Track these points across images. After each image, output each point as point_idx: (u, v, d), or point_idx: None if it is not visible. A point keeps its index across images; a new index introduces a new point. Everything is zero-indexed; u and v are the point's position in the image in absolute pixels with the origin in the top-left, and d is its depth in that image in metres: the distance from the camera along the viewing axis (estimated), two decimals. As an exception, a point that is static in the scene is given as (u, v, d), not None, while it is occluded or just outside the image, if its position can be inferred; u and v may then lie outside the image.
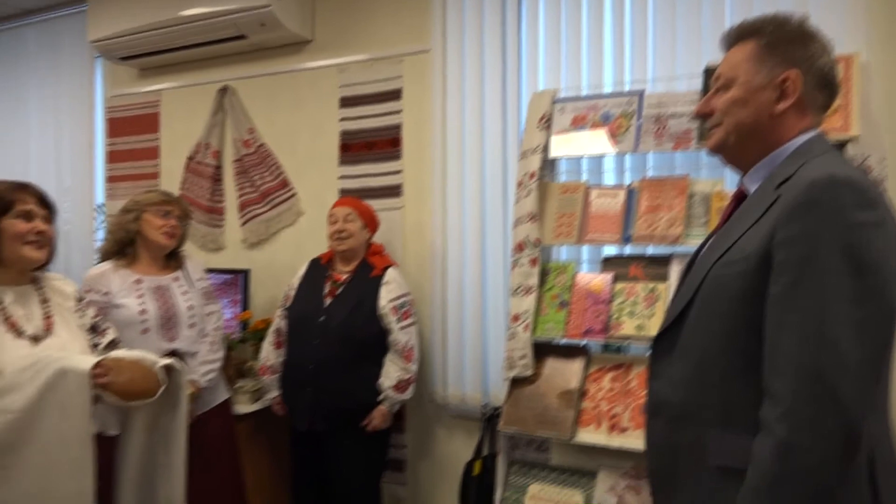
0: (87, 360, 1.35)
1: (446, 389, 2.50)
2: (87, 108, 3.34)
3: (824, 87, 1.06)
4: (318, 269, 2.38)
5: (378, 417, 2.22)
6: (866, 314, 0.88)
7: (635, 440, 1.88)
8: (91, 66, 3.33)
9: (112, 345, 1.61)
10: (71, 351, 1.46)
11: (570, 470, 2.06)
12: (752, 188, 1.08)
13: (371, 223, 2.38)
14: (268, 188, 2.92)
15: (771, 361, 0.92)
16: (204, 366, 2.14)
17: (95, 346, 1.58)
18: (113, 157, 3.30)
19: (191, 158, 3.09)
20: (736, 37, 1.10)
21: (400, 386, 2.23)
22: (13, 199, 1.45)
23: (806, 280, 0.90)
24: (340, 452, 2.23)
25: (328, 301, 2.27)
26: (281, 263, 2.88)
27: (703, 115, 1.13)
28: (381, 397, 2.22)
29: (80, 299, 1.62)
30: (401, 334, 2.23)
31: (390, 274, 2.31)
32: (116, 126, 3.29)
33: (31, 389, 1.30)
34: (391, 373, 2.23)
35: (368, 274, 2.30)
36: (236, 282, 2.84)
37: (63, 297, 1.57)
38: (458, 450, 2.53)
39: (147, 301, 2.07)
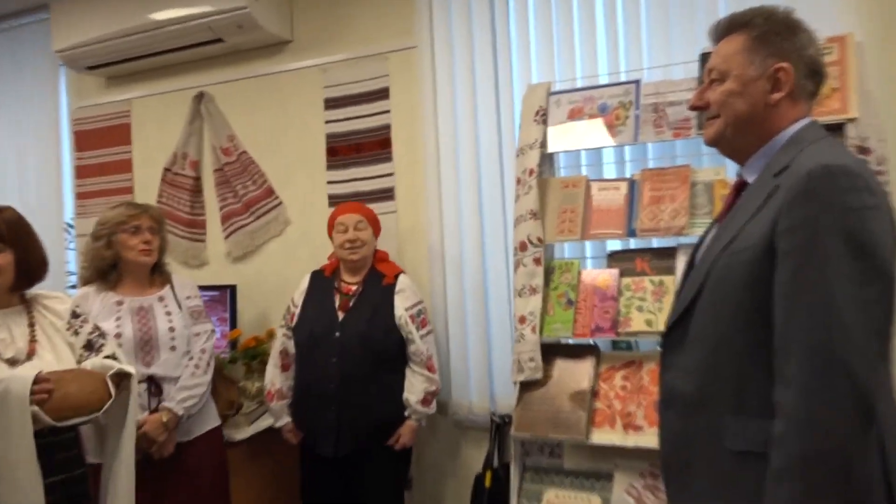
0: (27, 379, 1.45)
1: (451, 399, 2.63)
2: (52, 120, 3.45)
3: (813, 75, 1.21)
4: (323, 282, 2.46)
5: (406, 434, 2.32)
6: (870, 294, 1.01)
7: (651, 438, 2.01)
8: (55, 77, 3.44)
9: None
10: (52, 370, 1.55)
11: (586, 473, 2.18)
12: (751, 178, 1.22)
13: (377, 229, 2.49)
14: (252, 198, 3.04)
15: (781, 345, 1.05)
16: (182, 392, 2.17)
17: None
18: (82, 172, 3.40)
19: (167, 170, 3.20)
20: (726, 29, 1.24)
21: (426, 399, 2.33)
22: None
23: (809, 266, 1.03)
24: (366, 475, 2.31)
25: (341, 315, 2.34)
26: (269, 277, 3.00)
27: (698, 108, 1.27)
28: (407, 412, 2.33)
29: (76, 315, 1.73)
30: (422, 343, 2.34)
31: (403, 281, 2.42)
32: (84, 139, 3.39)
33: None
34: (416, 386, 2.33)
35: (380, 283, 2.41)
36: (223, 298, 2.94)
37: (55, 316, 1.67)
38: (466, 462, 2.66)
39: (124, 323, 2.16)
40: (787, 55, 1.18)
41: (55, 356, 1.62)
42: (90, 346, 1.72)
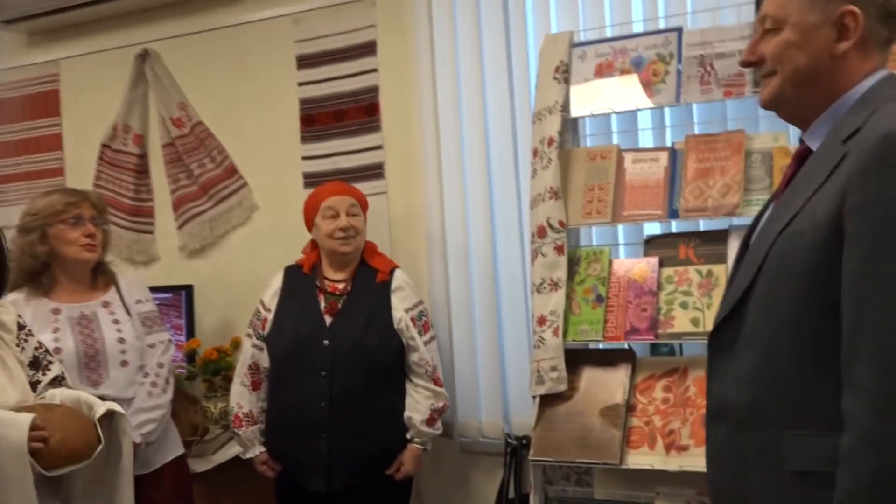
0: (23, 426, 1.52)
1: (457, 419, 2.70)
2: (-40, 88, 3.51)
3: (887, 18, 1.24)
4: (302, 281, 2.50)
5: (409, 461, 2.40)
6: None
7: (698, 460, 2.05)
8: (-37, 34, 3.49)
9: (55, 382, 1.78)
10: (7, 395, 1.63)
11: (620, 503, 2.25)
12: (815, 144, 1.26)
13: (366, 213, 2.54)
14: (209, 179, 3.10)
15: (851, 346, 1.09)
16: (139, 415, 2.23)
17: (36, 384, 1.75)
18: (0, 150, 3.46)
19: (106, 146, 3.27)
20: None
21: (433, 418, 2.40)
22: None
23: (886, 251, 1.07)
24: None
25: (329, 320, 2.40)
26: (233, 274, 3.07)
27: (751, 64, 1.31)
28: (410, 435, 2.39)
29: (21, 327, 1.79)
30: (426, 351, 2.40)
31: (399, 277, 2.48)
32: (2, 110, 3.46)
33: None
34: (421, 403, 2.40)
35: (372, 280, 2.46)
36: (177, 302, 3.01)
37: (4, 330, 1.73)
38: (477, 493, 2.73)
39: (63, 336, 2.22)
40: None
41: (8, 377, 1.68)
42: (36, 364, 1.78)
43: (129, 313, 2.34)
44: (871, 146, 1.11)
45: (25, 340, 1.79)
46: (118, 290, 2.36)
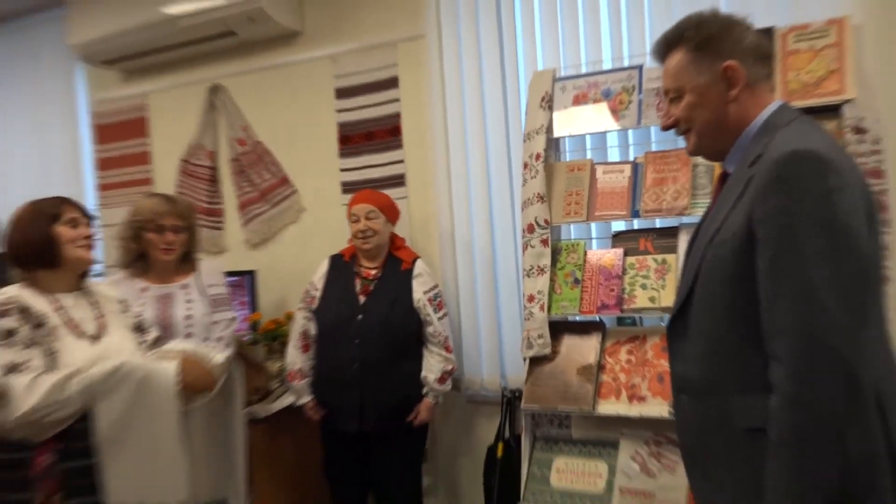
0: (167, 369, 1.62)
1: (464, 376, 2.70)
2: (71, 115, 3.51)
3: (761, 60, 1.23)
4: (343, 267, 2.50)
5: (425, 411, 2.40)
6: (845, 271, 1.05)
7: (654, 408, 2.08)
8: (72, 72, 3.49)
9: (156, 342, 1.84)
10: (124, 349, 1.69)
11: (592, 442, 2.26)
12: (731, 169, 1.26)
13: (393, 216, 2.52)
14: (267, 186, 3.10)
15: (769, 328, 1.10)
16: None
17: (142, 343, 1.80)
18: (103, 164, 3.46)
19: (185, 161, 3.26)
20: (665, 49, 1.27)
21: (443, 377, 2.41)
22: (59, 210, 1.71)
23: (785, 251, 1.08)
24: (387, 449, 2.41)
25: (363, 299, 2.40)
26: (286, 262, 3.06)
27: (670, 127, 1.30)
28: (425, 391, 2.40)
29: (121, 301, 1.84)
30: (439, 325, 2.41)
31: (420, 266, 2.47)
32: (104, 132, 3.45)
33: (123, 395, 1.56)
34: (434, 365, 2.40)
35: (398, 268, 2.46)
36: (243, 283, 3.01)
37: (109, 301, 1.79)
38: (479, 435, 2.74)
39: (146, 310, 2.23)
40: (729, 52, 1.20)
41: (120, 334, 1.74)
42: (140, 328, 1.84)
43: (201, 294, 2.35)
44: (768, 168, 1.11)
45: (127, 310, 1.84)
46: (197, 277, 2.37)
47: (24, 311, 1.60)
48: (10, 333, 1.57)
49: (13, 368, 1.53)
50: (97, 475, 1.57)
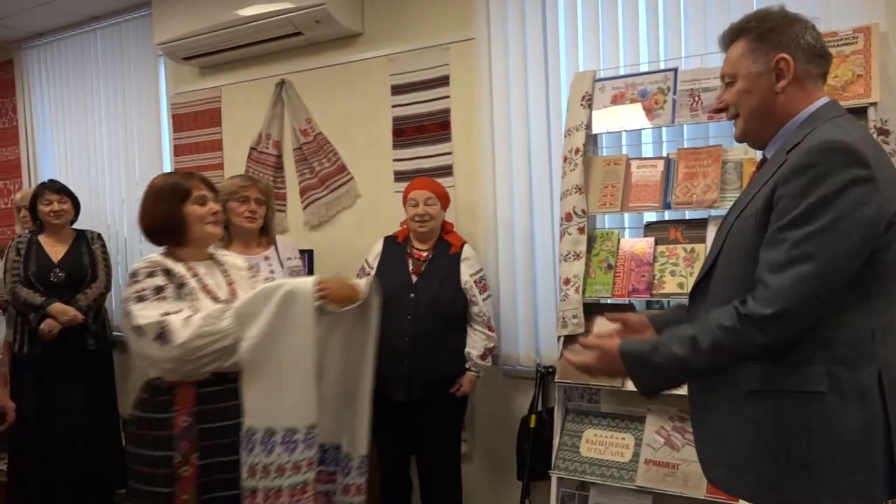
0: (307, 280, 1.65)
1: (502, 352, 2.83)
2: (153, 105, 3.76)
3: (815, 59, 1.27)
4: (397, 248, 2.61)
5: (467, 384, 2.52)
6: (830, 254, 1.12)
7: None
8: (155, 66, 3.74)
9: None
10: None
11: (620, 416, 2.37)
12: (769, 155, 1.32)
13: (446, 203, 2.64)
14: (326, 174, 3.27)
15: (759, 274, 1.20)
16: None
17: None
18: (179, 150, 3.70)
19: (253, 149, 3.45)
20: (729, 39, 1.33)
21: (485, 354, 2.53)
22: (189, 187, 1.76)
23: (790, 224, 1.15)
24: (430, 417, 2.52)
25: (415, 278, 2.51)
26: (341, 243, 3.23)
27: (720, 111, 1.36)
28: (468, 365, 2.52)
29: (250, 268, 1.95)
30: (484, 305, 2.52)
31: (467, 250, 2.59)
32: (181, 121, 3.68)
33: (266, 315, 1.60)
34: (477, 343, 2.51)
35: (447, 251, 2.57)
36: (302, 262, 3.19)
37: (237, 269, 1.89)
38: (514, 407, 2.86)
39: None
40: (784, 47, 1.24)
41: None
42: None
43: (282, 266, 2.51)
44: (801, 153, 1.18)
45: (254, 277, 1.92)
46: (276, 249, 2.53)
47: (168, 273, 1.69)
48: (160, 289, 1.64)
49: (168, 315, 1.60)
50: (230, 437, 1.64)
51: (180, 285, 1.69)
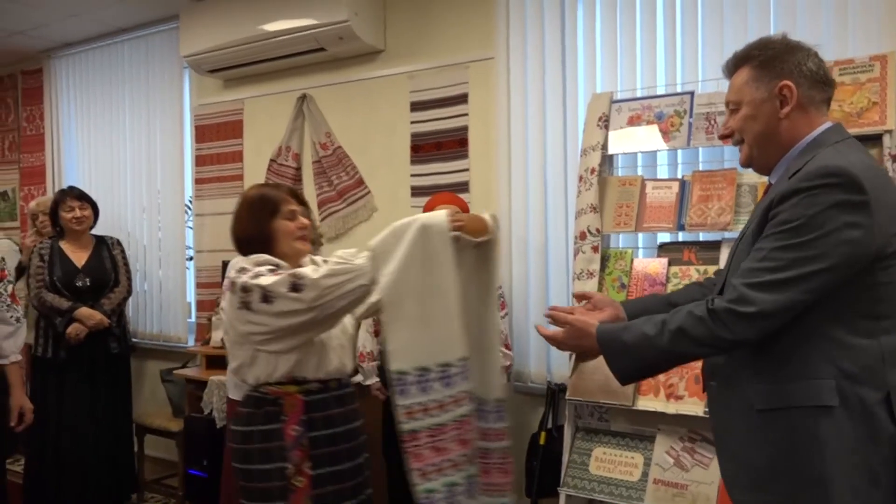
0: (440, 213, 1.52)
1: (514, 368, 2.83)
2: (177, 116, 3.83)
3: (818, 85, 1.30)
4: None
5: None
6: (805, 270, 1.15)
7: (690, 407, 2.17)
8: (180, 78, 3.81)
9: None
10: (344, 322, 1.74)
11: (630, 435, 2.36)
12: (774, 181, 1.34)
13: None
14: (344, 187, 3.31)
15: (735, 274, 1.24)
16: None
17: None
18: (200, 161, 3.77)
19: (273, 161, 3.51)
20: (733, 66, 1.36)
21: (501, 371, 2.53)
22: (278, 200, 1.72)
23: (768, 237, 1.20)
24: None
25: None
26: (357, 255, 3.26)
27: (726, 136, 1.39)
28: None
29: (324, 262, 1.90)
30: (500, 323, 2.47)
31: None
32: (203, 132, 3.75)
33: (402, 251, 1.46)
34: None
35: None
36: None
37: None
38: (524, 423, 2.85)
39: None
40: (787, 74, 1.27)
41: None
42: None
43: None
44: (796, 179, 1.20)
45: None
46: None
47: (277, 266, 1.64)
48: (277, 266, 1.61)
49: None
50: (338, 445, 1.63)
51: None
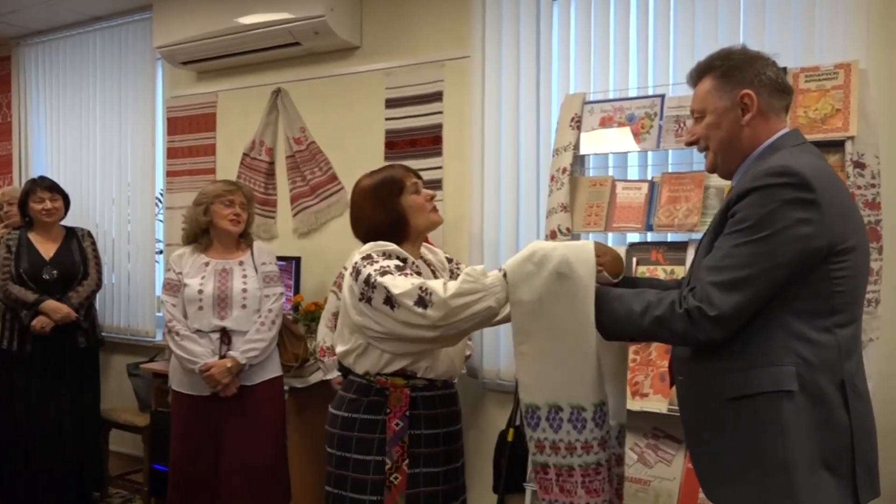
0: (587, 246, 1.39)
1: (482, 366, 2.83)
2: (149, 108, 3.74)
3: (777, 93, 1.34)
4: None
5: None
6: (759, 265, 1.18)
7: (655, 404, 2.18)
8: (153, 70, 3.72)
9: None
10: None
11: (597, 432, 2.36)
12: (734, 183, 1.38)
13: None
14: (317, 182, 3.27)
15: (699, 271, 1.27)
16: (247, 344, 2.40)
17: None
18: (172, 153, 3.68)
19: (246, 155, 3.45)
20: (697, 76, 1.39)
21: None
22: (402, 177, 1.67)
23: (727, 236, 1.23)
24: None
25: None
26: (329, 251, 3.22)
27: (692, 143, 1.42)
28: None
29: (450, 261, 1.86)
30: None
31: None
32: (176, 125, 3.67)
33: (539, 281, 1.36)
34: None
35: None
36: (289, 268, 3.18)
37: (442, 264, 1.80)
38: (492, 420, 2.86)
39: (207, 281, 2.41)
40: (748, 83, 1.31)
41: None
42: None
43: (256, 271, 2.50)
44: (748, 178, 1.25)
45: (457, 271, 1.81)
46: (252, 254, 2.52)
47: (403, 260, 1.59)
48: (401, 267, 1.53)
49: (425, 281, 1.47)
50: (437, 446, 1.58)
51: (416, 272, 1.57)
